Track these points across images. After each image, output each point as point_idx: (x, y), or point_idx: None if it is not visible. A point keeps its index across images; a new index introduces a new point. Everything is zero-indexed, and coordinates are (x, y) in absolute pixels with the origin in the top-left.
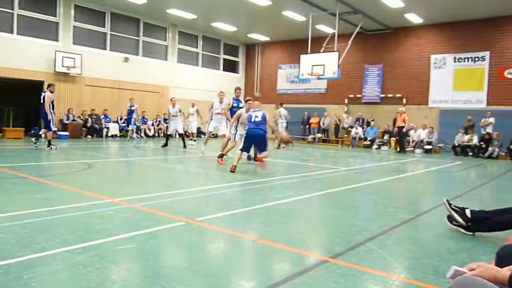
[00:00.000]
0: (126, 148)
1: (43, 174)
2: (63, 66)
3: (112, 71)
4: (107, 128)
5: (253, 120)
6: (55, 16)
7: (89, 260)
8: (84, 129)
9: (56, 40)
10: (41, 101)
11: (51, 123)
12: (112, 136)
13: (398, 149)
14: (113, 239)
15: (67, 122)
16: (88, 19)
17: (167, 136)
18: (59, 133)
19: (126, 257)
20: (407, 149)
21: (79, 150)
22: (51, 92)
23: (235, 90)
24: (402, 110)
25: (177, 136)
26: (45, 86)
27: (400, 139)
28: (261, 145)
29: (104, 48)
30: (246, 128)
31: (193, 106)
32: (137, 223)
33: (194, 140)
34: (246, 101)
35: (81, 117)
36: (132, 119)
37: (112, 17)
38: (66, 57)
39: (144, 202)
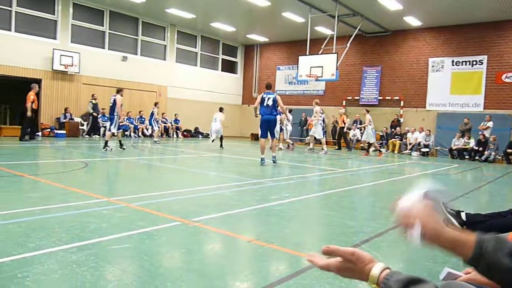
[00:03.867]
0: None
1: (39, 172)
2: (60, 64)
3: (110, 70)
4: (105, 127)
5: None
6: (53, 14)
7: (84, 259)
8: (81, 128)
9: (54, 38)
10: (111, 104)
11: (114, 125)
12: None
13: (338, 148)
14: (108, 238)
15: (64, 120)
16: (86, 18)
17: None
18: (56, 131)
19: (121, 257)
20: (404, 152)
21: (76, 149)
22: (121, 96)
23: None
24: (342, 112)
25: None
26: (43, 84)
27: (344, 138)
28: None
29: (103, 47)
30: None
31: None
32: (133, 223)
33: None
34: None
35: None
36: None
37: (110, 15)
38: (64, 55)
39: (140, 202)
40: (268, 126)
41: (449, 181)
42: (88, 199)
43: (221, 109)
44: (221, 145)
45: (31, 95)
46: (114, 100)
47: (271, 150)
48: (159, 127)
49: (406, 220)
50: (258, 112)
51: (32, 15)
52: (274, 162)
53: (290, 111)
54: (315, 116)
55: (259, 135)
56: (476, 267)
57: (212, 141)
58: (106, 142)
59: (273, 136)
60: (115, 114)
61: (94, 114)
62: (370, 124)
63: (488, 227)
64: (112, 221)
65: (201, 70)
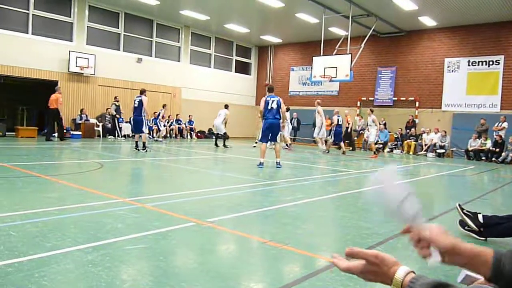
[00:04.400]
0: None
1: (55, 173)
2: (76, 66)
3: (125, 71)
4: (120, 128)
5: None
6: (70, 16)
7: (99, 259)
8: (96, 129)
9: (70, 40)
10: (136, 105)
11: (145, 126)
12: (124, 136)
13: (352, 149)
14: (123, 238)
15: (80, 122)
16: (102, 20)
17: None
18: (72, 132)
19: (136, 257)
20: (419, 153)
21: (92, 150)
22: (146, 96)
23: None
24: (346, 112)
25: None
26: (59, 85)
27: (348, 138)
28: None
29: (118, 49)
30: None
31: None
32: (148, 223)
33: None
34: None
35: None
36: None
37: (125, 17)
38: (80, 57)
39: (155, 203)
40: (272, 130)
41: (466, 182)
42: (103, 199)
43: (226, 106)
44: (224, 145)
45: (60, 98)
46: (140, 101)
47: (276, 156)
48: (172, 128)
49: (421, 244)
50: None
51: (48, 17)
52: (279, 167)
53: (287, 109)
54: (319, 117)
55: (259, 139)
56: (496, 283)
57: (216, 145)
58: (144, 144)
59: (274, 140)
60: (143, 115)
61: (117, 115)
62: (375, 125)
63: (505, 229)
64: (127, 222)
65: (215, 71)
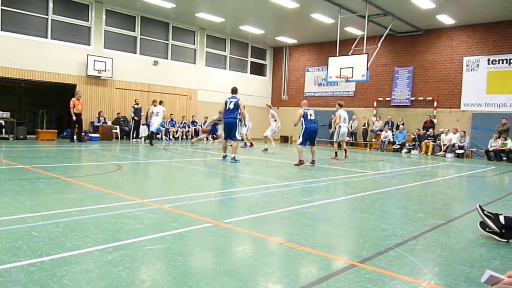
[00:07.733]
0: (154, 150)
1: (74, 175)
2: (94, 69)
3: (142, 74)
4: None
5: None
6: (87, 20)
7: (119, 259)
8: (114, 131)
9: (88, 44)
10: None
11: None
12: (142, 138)
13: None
14: (142, 239)
15: (98, 124)
16: (118, 23)
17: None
18: (90, 135)
19: (155, 257)
20: (438, 154)
21: (110, 152)
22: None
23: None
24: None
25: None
26: (77, 89)
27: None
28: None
29: (134, 52)
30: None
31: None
32: (166, 224)
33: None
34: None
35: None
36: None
37: (142, 21)
38: (97, 60)
39: (172, 204)
40: (228, 129)
41: (486, 183)
42: (122, 200)
43: (161, 102)
44: (150, 143)
45: (72, 101)
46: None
47: (232, 152)
48: (188, 130)
49: None
50: (223, 116)
51: (67, 22)
52: (234, 161)
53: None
54: (275, 120)
55: (223, 137)
56: None
57: (151, 143)
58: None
59: (232, 138)
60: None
61: (136, 118)
62: (344, 122)
63: None
64: (146, 222)
65: (230, 73)
